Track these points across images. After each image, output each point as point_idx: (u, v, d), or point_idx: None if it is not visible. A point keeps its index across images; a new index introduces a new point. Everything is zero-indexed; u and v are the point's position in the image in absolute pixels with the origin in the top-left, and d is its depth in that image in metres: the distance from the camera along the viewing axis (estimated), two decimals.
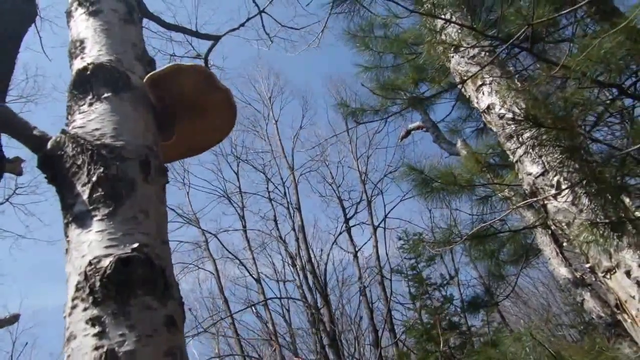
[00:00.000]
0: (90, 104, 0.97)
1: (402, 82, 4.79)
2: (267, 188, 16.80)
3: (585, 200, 2.83)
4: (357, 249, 15.64)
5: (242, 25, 10.43)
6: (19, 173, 5.12)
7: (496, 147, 4.08)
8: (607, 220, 2.36)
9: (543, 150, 2.99)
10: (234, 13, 14.41)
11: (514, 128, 3.31)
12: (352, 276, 16.49)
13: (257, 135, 17.36)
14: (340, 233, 16.00)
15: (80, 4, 1.12)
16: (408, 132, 6.98)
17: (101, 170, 0.86)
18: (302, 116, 19.73)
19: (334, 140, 16.61)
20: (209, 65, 10.30)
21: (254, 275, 15.56)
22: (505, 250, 4.37)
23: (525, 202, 3.24)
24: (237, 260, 15.76)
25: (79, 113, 0.97)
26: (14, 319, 4.87)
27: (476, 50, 3.76)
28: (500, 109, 3.44)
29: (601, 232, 2.41)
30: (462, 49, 3.40)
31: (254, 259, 15.76)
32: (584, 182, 2.50)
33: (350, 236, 16.15)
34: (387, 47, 4.45)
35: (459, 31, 3.05)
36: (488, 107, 3.54)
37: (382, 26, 4.77)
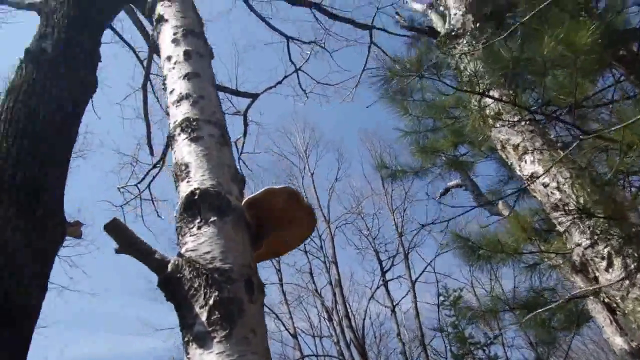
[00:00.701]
0: (199, 227, 1.11)
1: (442, 144, 4.90)
2: None
3: (638, 275, 2.79)
4: (394, 304, 15.32)
5: (280, 82, 10.93)
6: (79, 236, 5.40)
7: (541, 212, 4.07)
8: None
9: (592, 221, 2.99)
10: (271, 72, 15.13)
11: (559, 197, 3.33)
12: (390, 332, 16.07)
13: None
14: (378, 287, 15.77)
15: (182, 130, 1.30)
16: (447, 190, 7.02)
17: (216, 294, 0.99)
18: (337, 169, 20.05)
19: (370, 192, 16.71)
20: (248, 121, 10.73)
21: (290, 330, 15.37)
22: (556, 317, 4.26)
23: (575, 272, 3.20)
24: (274, 314, 15.66)
25: (190, 235, 1.12)
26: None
27: (516, 118, 3.86)
28: (544, 178, 3.48)
29: None
30: (504, 118, 3.50)
31: (290, 313, 15.63)
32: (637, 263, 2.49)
33: (388, 290, 15.87)
34: (425, 111, 4.60)
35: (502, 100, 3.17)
36: (531, 175, 3.58)
37: (420, 89, 4.95)
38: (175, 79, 1.41)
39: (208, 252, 1.07)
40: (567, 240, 3.40)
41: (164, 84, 1.48)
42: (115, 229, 1.09)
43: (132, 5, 6.91)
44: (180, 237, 1.14)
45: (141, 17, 7.43)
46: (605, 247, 3.01)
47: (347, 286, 16.72)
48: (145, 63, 8.43)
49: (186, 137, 1.28)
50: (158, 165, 9.21)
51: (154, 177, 9.34)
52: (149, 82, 7.82)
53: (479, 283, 15.13)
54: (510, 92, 3.47)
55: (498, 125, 3.16)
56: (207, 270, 1.03)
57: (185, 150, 1.26)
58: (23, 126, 3.96)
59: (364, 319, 15.60)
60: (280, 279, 16.38)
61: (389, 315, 15.33)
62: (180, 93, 1.37)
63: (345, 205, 18.06)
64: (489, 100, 4.03)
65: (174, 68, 1.45)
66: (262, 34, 33.24)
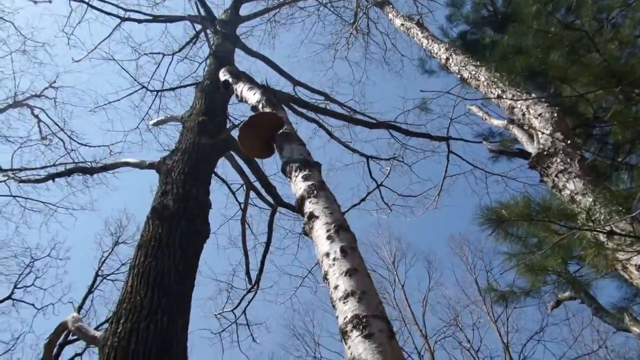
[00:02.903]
0: None
1: (551, 262, 4.75)
2: None
3: None
4: None
5: (363, 200, 11.31)
6: None
7: None
8: None
9: None
10: (353, 190, 15.74)
11: None
12: None
13: (384, 302, 17.27)
14: None
15: (354, 327, 1.49)
16: (558, 302, 6.60)
17: None
18: (429, 278, 19.53)
19: (467, 301, 15.91)
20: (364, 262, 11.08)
21: None
22: None
23: None
24: None
25: None
26: None
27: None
28: None
29: None
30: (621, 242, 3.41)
31: None
32: None
33: None
34: (530, 232, 4.56)
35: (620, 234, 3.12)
36: None
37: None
38: (337, 275, 1.64)
39: None
40: None
41: (325, 278, 1.72)
42: None
43: (231, 152, 7.80)
44: None
45: (237, 159, 8.30)
46: None
47: None
48: (239, 198, 9.22)
49: (359, 334, 1.47)
50: (252, 289, 9.57)
51: (249, 302, 9.67)
52: (245, 216, 8.45)
53: None
54: (622, 210, 3.42)
55: (621, 256, 3.09)
56: None
57: (360, 348, 1.44)
58: (153, 279, 4.46)
59: None
60: None
61: None
62: (345, 290, 1.58)
63: (441, 316, 17.23)
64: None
65: (334, 264, 1.68)
66: (343, 156, 35.09)
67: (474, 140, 8.33)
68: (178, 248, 4.81)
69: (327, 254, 1.74)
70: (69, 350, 12.39)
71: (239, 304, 9.65)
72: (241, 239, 8.12)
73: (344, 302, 1.56)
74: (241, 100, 3.62)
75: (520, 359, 14.67)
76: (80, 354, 11.78)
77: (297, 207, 2.04)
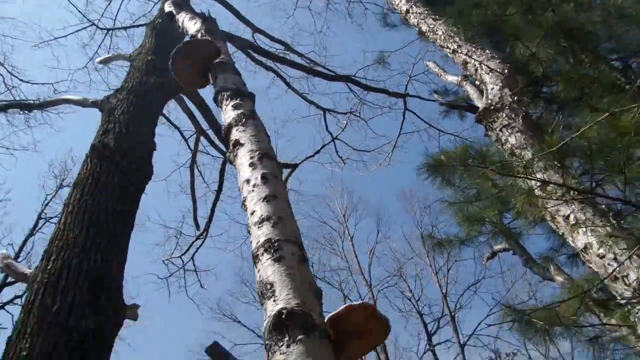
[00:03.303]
0: (288, 345, 1.24)
1: (487, 213, 4.93)
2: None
3: None
4: None
5: (318, 152, 11.29)
6: (135, 318, 5.56)
7: (598, 281, 3.98)
8: None
9: None
10: (309, 142, 15.74)
11: (617, 269, 3.28)
12: None
13: (333, 253, 17.69)
14: (425, 352, 15.17)
15: (266, 251, 1.46)
16: (494, 254, 6.92)
17: None
18: (377, 231, 20.08)
19: (411, 254, 16.52)
20: (287, 190, 11.04)
21: None
22: None
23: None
24: None
25: (280, 354, 1.24)
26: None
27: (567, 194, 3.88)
28: (599, 249, 3.45)
29: None
30: (551, 191, 3.54)
31: None
32: None
33: (435, 355, 15.22)
34: (468, 178, 4.69)
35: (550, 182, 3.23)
36: (585, 247, 3.55)
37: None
38: (255, 201, 1.60)
39: None
40: (629, 313, 3.32)
41: (243, 204, 1.67)
42: (214, 351, 1.23)
43: (181, 95, 7.50)
44: (270, 355, 1.26)
45: (188, 102, 8.01)
46: None
47: (392, 351, 16.18)
48: (190, 143, 8.98)
49: (269, 257, 1.44)
50: (201, 237, 9.54)
51: (197, 249, 9.66)
52: (195, 163, 8.26)
53: (532, 345, 14.32)
54: (557, 164, 3.53)
55: (550, 206, 3.20)
56: None
57: (269, 270, 1.42)
58: (88, 217, 4.31)
59: None
60: None
61: None
62: (261, 215, 1.54)
63: (386, 268, 17.89)
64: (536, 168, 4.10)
65: (253, 191, 1.63)
66: (300, 107, 34.64)
67: (430, 99, 8.38)
68: (117, 187, 4.64)
69: (248, 181, 1.69)
70: (8, 292, 12.07)
71: (187, 250, 9.62)
72: (189, 185, 7.96)
73: (258, 227, 1.53)
74: (183, 31, 3.42)
75: (456, 308, 15.52)
76: (20, 297, 11.51)
77: (224, 136, 1.96)
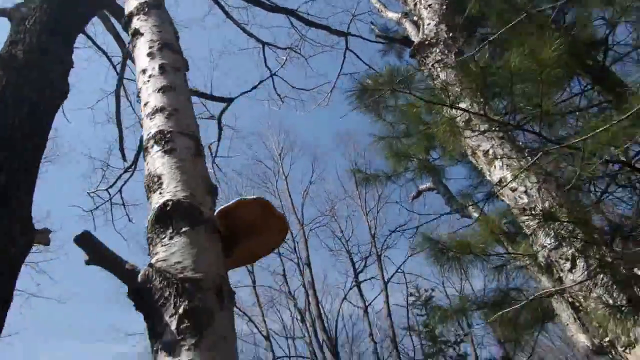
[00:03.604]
0: (171, 238, 1.15)
1: (414, 149, 5.01)
2: None
3: (600, 276, 2.93)
4: (367, 304, 15.49)
5: (255, 87, 10.92)
6: (47, 243, 5.26)
7: (509, 215, 4.21)
8: (622, 304, 2.46)
9: (556, 225, 3.12)
10: (246, 77, 15.12)
11: (526, 202, 3.46)
12: (362, 332, 16.23)
13: (267, 191, 17.69)
14: (351, 288, 15.92)
15: (156, 142, 1.33)
16: (419, 193, 7.16)
17: (186, 303, 1.02)
18: (312, 172, 20.22)
19: (344, 195, 16.85)
20: (222, 126, 10.67)
21: (263, 332, 15.36)
22: (522, 315, 4.41)
23: (541, 273, 3.34)
24: (246, 316, 15.63)
25: (161, 246, 1.15)
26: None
27: (486, 125, 3.98)
28: (512, 183, 3.61)
29: (617, 311, 2.51)
30: (473, 125, 3.62)
31: (263, 315, 15.64)
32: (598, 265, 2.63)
33: (360, 291, 16.02)
34: (398, 118, 4.71)
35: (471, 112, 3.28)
36: (500, 181, 3.71)
37: (393, 99, 5.06)
38: (149, 92, 1.44)
39: (179, 262, 1.10)
40: (533, 242, 3.54)
41: (138, 96, 1.51)
42: (85, 241, 1.11)
43: (106, 12, 6.82)
44: (151, 248, 1.17)
45: (115, 23, 7.35)
46: (569, 249, 3.15)
47: (320, 288, 16.84)
48: (118, 68, 8.33)
49: (159, 149, 1.31)
50: (130, 169, 9.11)
51: (125, 182, 9.24)
52: (122, 88, 7.72)
53: (450, 283, 15.43)
54: (480, 100, 3.58)
55: (468, 135, 3.26)
56: (178, 280, 1.06)
57: (158, 162, 1.29)
58: None
59: (336, 320, 15.76)
60: (254, 281, 16.38)
61: (362, 316, 15.50)
62: (155, 106, 1.39)
63: (319, 208, 18.23)
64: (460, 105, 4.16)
65: (148, 81, 1.47)
66: (238, 39, 33.12)
67: (371, 40, 8.22)
68: (26, 102, 4.19)
69: (144, 71, 1.52)
70: None
71: (114, 183, 9.18)
72: (115, 112, 7.46)
73: (150, 119, 1.39)
74: None
75: (382, 247, 16.25)
76: None
77: (124, 25, 1.75)
